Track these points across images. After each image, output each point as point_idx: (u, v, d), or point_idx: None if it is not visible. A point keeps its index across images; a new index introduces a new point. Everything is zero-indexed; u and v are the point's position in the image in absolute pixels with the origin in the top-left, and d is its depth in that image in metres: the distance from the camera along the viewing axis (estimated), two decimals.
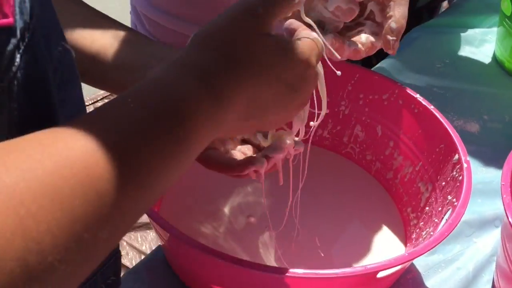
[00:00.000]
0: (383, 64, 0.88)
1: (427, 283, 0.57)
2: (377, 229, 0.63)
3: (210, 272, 0.49)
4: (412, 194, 0.61)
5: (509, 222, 0.47)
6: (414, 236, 0.57)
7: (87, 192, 0.24)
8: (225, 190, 0.63)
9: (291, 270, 0.42)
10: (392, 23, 0.51)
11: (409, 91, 0.63)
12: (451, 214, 0.48)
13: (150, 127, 0.29)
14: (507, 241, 0.50)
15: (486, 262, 0.60)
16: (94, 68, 0.47)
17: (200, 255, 0.44)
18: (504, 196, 0.49)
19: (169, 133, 0.30)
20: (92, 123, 0.28)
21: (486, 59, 0.95)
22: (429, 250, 0.45)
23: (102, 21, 0.49)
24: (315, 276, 0.42)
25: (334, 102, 0.67)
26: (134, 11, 0.81)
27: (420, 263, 0.59)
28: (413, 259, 0.45)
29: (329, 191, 0.66)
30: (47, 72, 0.30)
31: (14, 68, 0.28)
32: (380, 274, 0.45)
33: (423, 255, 0.59)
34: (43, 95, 0.30)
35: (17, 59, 0.28)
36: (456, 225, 0.46)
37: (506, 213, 0.48)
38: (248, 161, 0.43)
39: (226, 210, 0.62)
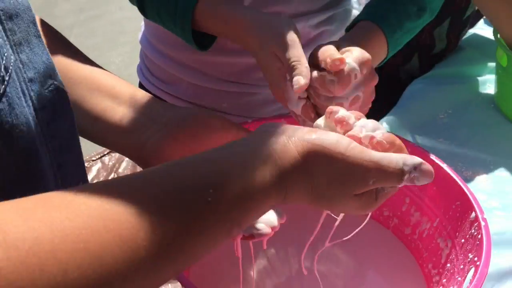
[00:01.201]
0: (389, 117, 0.92)
1: None
2: (399, 285, 0.64)
3: None
4: (432, 250, 0.63)
5: None
6: None
7: (117, 248, 0.27)
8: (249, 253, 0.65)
9: None
10: None
11: (421, 149, 0.66)
12: (474, 274, 0.50)
13: (223, 206, 0.32)
14: None
15: None
16: (94, 128, 0.50)
17: None
18: None
19: (232, 214, 0.32)
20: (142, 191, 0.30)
21: (490, 106, 0.99)
22: None
23: (103, 79, 0.52)
24: None
25: None
26: (141, 52, 0.89)
27: None
28: None
29: (349, 249, 0.68)
30: (26, 115, 0.33)
31: None
32: None
33: None
34: (21, 139, 0.33)
35: None
36: (481, 286, 0.48)
37: None
38: None
39: (253, 273, 0.64)
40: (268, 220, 0.49)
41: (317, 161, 0.37)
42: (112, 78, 0.53)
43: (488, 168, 0.83)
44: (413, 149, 0.66)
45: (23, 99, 0.33)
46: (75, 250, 0.25)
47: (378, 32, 0.64)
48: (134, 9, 0.73)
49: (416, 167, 0.41)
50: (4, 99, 0.31)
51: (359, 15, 0.67)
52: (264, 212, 0.37)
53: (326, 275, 0.64)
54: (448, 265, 0.59)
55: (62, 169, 0.37)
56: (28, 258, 0.24)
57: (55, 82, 0.37)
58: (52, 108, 0.37)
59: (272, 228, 0.49)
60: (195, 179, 0.32)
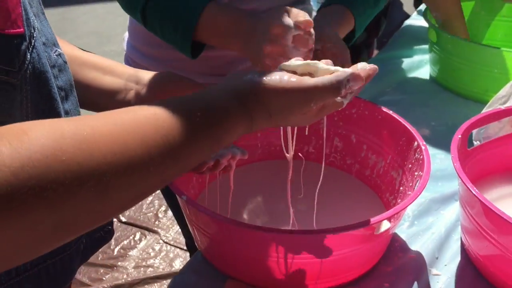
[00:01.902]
0: None
1: (411, 247, 0.72)
2: (364, 213, 0.78)
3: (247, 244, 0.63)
4: (388, 182, 0.78)
5: (462, 180, 0.63)
6: None
7: (171, 135, 0.40)
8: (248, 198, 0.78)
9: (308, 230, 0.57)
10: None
11: (372, 103, 0.81)
12: (421, 181, 0.64)
13: (203, 122, 0.43)
14: (465, 203, 0.67)
15: (453, 226, 0.76)
16: (87, 95, 0.61)
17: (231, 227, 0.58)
18: (455, 164, 0.66)
19: (214, 125, 0.44)
20: (174, 107, 0.42)
21: (425, 80, 1.17)
22: (410, 203, 0.60)
23: (91, 57, 0.63)
24: (331, 232, 0.57)
25: (315, 122, 0.84)
26: (126, 56, 0.99)
27: (402, 234, 0.74)
28: (400, 211, 0.60)
29: (321, 193, 0.81)
30: (47, 66, 0.45)
31: (26, 62, 0.42)
32: (379, 229, 0.60)
33: (404, 228, 0.75)
34: (46, 81, 0.45)
35: (28, 56, 0.42)
36: (426, 184, 0.63)
37: (458, 175, 0.64)
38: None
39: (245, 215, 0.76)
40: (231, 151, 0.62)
41: (268, 96, 0.48)
42: (98, 56, 0.64)
43: (429, 124, 0.99)
44: (365, 103, 0.81)
45: (42, 55, 0.45)
46: (120, 139, 0.36)
47: (348, 14, 0.80)
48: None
49: (349, 79, 0.49)
50: (34, 51, 0.43)
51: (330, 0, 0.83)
52: (238, 135, 0.47)
53: (304, 212, 0.77)
54: (401, 188, 0.74)
55: (67, 114, 0.50)
56: (91, 141, 0.34)
57: (59, 50, 0.49)
58: (58, 67, 0.49)
59: (234, 157, 0.62)
60: (189, 105, 0.44)
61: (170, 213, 2.02)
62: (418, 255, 0.70)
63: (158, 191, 2.15)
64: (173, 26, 0.76)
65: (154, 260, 1.79)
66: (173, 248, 1.85)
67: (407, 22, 1.43)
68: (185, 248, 1.86)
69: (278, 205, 0.78)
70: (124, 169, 0.36)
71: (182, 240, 1.90)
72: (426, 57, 1.20)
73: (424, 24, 1.31)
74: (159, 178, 0.40)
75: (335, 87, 0.49)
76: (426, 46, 1.23)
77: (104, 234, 0.61)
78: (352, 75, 0.49)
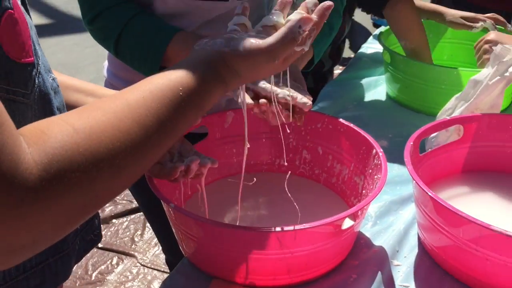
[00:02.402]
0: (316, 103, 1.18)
1: (375, 243, 0.81)
2: (331, 214, 0.86)
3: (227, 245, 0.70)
4: (352, 187, 0.87)
5: (415, 181, 0.73)
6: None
7: (161, 111, 0.47)
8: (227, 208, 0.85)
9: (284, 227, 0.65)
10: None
11: (334, 117, 0.90)
12: (379, 183, 0.73)
13: (186, 95, 0.50)
14: (420, 202, 0.76)
15: (410, 223, 0.85)
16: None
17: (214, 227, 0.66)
18: (408, 167, 0.76)
19: (196, 95, 0.51)
20: (164, 81, 0.50)
21: (382, 97, 1.28)
22: (372, 199, 0.69)
23: (76, 82, 0.69)
24: (299, 228, 0.65)
25: (285, 137, 0.94)
26: (106, 82, 1.07)
27: (366, 232, 0.83)
28: (363, 206, 0.69)
29: (291, 201, 0.90)
30: (49, 89, 0.53)
31: (35, 86, 0.50)
32: (344, 225, 0.68)
33: (368, 227, 0.84)
34: (48, 101, 0.53)
35: (36, 81, 0.50)
36: (384, 182, 0.72)
37: (412, 177, 0.74)
38: (174, 167, 0.65)
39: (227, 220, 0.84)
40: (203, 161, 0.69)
41: (236, 60, 0.55)
42: (80, 81, 0.70)
43: (387, 136, 1.10)
44: (329, 118, 0.91)
45: (45, 79, 0.53)
46: (121, 126, 0.43)
47: None
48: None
49: (299, 25, 0.55)
50: (40, 76, 0.51)
51: None
52: (216, 99, 0.54)
53: (279, 216, 0.85)
54: (364, 191, 0.83)
55: None
56: (98, 132, 0.41)
57: (52, 75, 0.57)
58: (54, 90, 0.56)
59: (205, 165, 0.68)
60: (171, 82, 0.50)
61: (146, 236, 2.06)
62: (381, 249, 0.79)
63: (134, 215, 2.19)
64: (143, 59, 0.85)
65: (132, 283, 1.83)
66: (150, 270, 1.88)
67: (364, 45, 1.56)
68: (162, 269, 1.90)
69: (249, 211, 0.86)
70: (128, 150, 0.43)
71: (159, 262, 1.94)
72: (382, 77, 1.32)
73: (379, 47, 1.44)
74: (157, 149, 0.47)
75: (290, 37, 0.55)
76: (381, 68, 1.35)
77: (94, 237, 0.68)
78: (301, 20, 0.55)
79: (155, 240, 2.05)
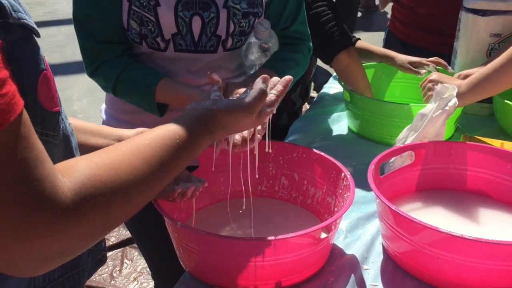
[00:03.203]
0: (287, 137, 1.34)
1: (347, 252, 0.96)
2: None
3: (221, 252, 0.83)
4: (325, 206, 1.02)
5: (379, 198, 0.89)
6: None
7: (162, 154, 0.60)
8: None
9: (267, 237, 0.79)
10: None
11: (307, 148, 1.06)
12: (348, 200, 0.89)
13: (182, 143, 0.64)
14: (383, 216, 0.92)
15: (375, 235, 1.01)
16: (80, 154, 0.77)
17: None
18: (372, 185, 0.92)
19: (189, 143, 0.66)
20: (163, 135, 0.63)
21: (344, 130, 1.46)
22: (344, 212, 0.84)
23: (85, 125, 0.81)
24: (290, 237, 0.79)
25: (264, 166, 1.08)
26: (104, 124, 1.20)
27: (339, 244, 0.98)
28: (338, 218, 0.84)
29: (275, 221, 1.04)
30: (68, 131, 0.64)
31: (60, 129, 0.61)
32: (321, 236, 0.83)
33: (340, 240, 0.99)
34: (69, 142, 0.63)
35: (61, 125, 0.61)
36: (353, 199, 0.87)
37: (375, 193, 0.90)
38: (173, 190, 0.79)
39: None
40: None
41: (222, 116, 0.72)
42: (87, 122, 0.82)
43: (351, 164, 1.26)
44: (303, 148, 1.06)
45: (66, 124, 0.64)
46: (132, 163, 0.56)
47: (272, 74, 1.06)
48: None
49: (265, 83, 0.75)
50: (62, 121, 0.62)
51: (262, 66, 1.09)
52: (205, 146, 0.70)
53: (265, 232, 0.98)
54: (336, 209, 0.98)
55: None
56: (115, 167, 0.54)
57: (69, 121, 0.67)
58: (70, 133, 0.67)
59: (197, 188, 0.83)
60: (170, 133, 0.65)
61: (124, 271, 2.13)
62: (353, 257, 0.94)
63: (111, 252, 2.26)
64: (140, 98, 1.01)
65: None
66: None
67: (326, 86, 1.75)
68: None
69: (238, 231, 0.99)
70: (138, 182, 0.56)
71: None
72: (344, 113, 1.50)
73: (339, 87, 1.62)
74: (160, 182, 0.61)
75: (261, 93, 0.74)
76: (342, 105, 1.53)
77: (102, 258, 0.78)
78: (263, 78, 0.76)
79: (134, 275, 2.12)
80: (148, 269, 2.15)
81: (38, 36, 0.52)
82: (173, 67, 1.07)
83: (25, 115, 0.45)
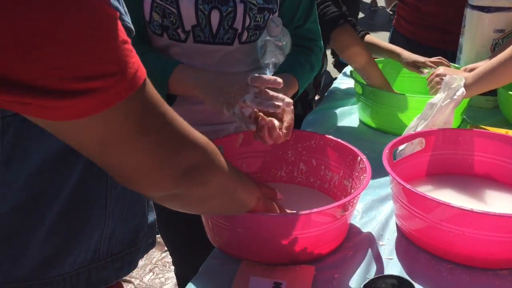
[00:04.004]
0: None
1: (363, 230, 1.03)
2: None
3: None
4: (342, 189, 1.09)
5: (394, 179, 0.96)
6: None
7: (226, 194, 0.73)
8: None
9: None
10: (285, 124, 1.01)
11: (324, 135, 1.13)
12: (365, 180, 0.96)
13: (242, 193, 0.78)
14: (397, 196, 0.99)
15: (389, 215, 1.08)
16: None
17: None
18: (387, 167, 0.99)
19: (245, 198, 0.79)
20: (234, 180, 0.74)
21: (356, 123, 1.53)
22: (363, 189, 0.91)
23: None
24: (315, 212, 0.86)
25: (284, 152, 1.16)
26: None
27: (356, 224, 1.05)
28: (356, 195, 0.91)
29: (294, 204, 1.11)
30: None
31: None
32: (343, 212, 0.90)
33: (357, 220, 1.06)
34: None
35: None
36: (369, 179, 0.94)
37: (390, 174, 0.97)
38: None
39: None
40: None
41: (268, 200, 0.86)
42: None
43: (364, 153, 1.33)
44: (321, 136, 1.13)
45: None
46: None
47: (293, 79, 1.13)
48: None
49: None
50: None
51: (280, 68, 1.16)
52: (253, 203, 0.83)
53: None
54: (352, 190, 1.05)
55: None
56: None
57: None
58: None
59: None
60: (237, 186, 0.76)
61: (140, 263, 2.20)
62: (369, 234, 1.01)
63: None
64: (152, 81, 1.07)
65: None
66: None
67: (336, 81, 1.82)
68: None
69: None
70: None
71: (155, 286, 2.08)
72: (355, 106, 1.58)
73: (349, 83, 1.70)
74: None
75: None
76: (353, 99, 1.60)
77: (152, 241, 0.83)
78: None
79: (149, 266, 2.20)
80: (163, 261, 2.23)
81: (133, 34, 0.60)
82: (190, 62, 1.14)
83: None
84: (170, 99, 1.11)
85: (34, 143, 0.61)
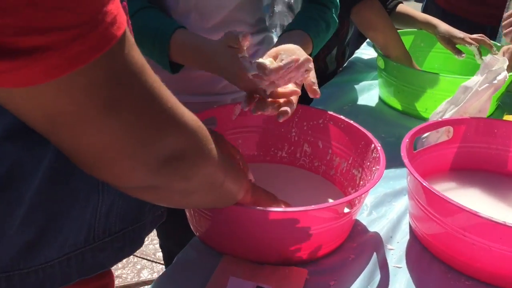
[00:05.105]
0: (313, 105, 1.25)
1: (370, 230, 0.88)
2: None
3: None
4: (350, 179, 0.94)
5: (412, 174, 0.80)
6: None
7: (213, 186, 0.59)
8: None
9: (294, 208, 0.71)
10: (312, 79, 0.85)
11: (335, 114, 0.97)
12: (377, 173, 0.80)
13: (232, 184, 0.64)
14: (414, 194, 0.84)
15: (402, 214, 0.93)
16: None
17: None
18: (405, 160, 0.83)
19: (235, 189, 0.67)
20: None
21: (375, 100, 1.36)
22: (372, 186, 0.76)
23: None
24: (311, 209, 0.71)
25: (286, 131, 1.00)
26: None
27: (363, 220, 0.90)
28: (363, 193, 0.76)
29: (292, 191, 0.96)
30: None
31: None
32: (346, 209, 0.75)
33: (364, 216, 0.91)
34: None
35: None
36: (382, 173, 0.79)
37: (408, 169, 0.81)
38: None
39: None
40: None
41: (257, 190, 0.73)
42: None
43: (380, 136, 1.17)
44: (330, 115, 0.98)
45: None
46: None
47: (307, 36, 0.96)
48: None
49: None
50: None
51: (290, 25, 0.99)
52: (243, 193, 0.70)
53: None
54: (361, 182, 0.90)
55: None
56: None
57: None
58: None
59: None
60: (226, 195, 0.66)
61: None
62: (376, 234, 0.86)
63: None
64: (151, 46, 0.90)
65: (122, 271, 1.87)
66: (140, 259, 1.93)
67: (358, 51, 1.64)
68: (151, 259, 1.95)
69: None
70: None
71: (148, 252, 1.98)
72: (375, 81, 1.40)
73: (373, 54, 1.52)
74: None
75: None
76: (375, 72, 1.43)
77: (161, 213, 0.72)
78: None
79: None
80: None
81: None
82: (187, 23, 0.97)
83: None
84: (176, 68, 0.93)
85: None
